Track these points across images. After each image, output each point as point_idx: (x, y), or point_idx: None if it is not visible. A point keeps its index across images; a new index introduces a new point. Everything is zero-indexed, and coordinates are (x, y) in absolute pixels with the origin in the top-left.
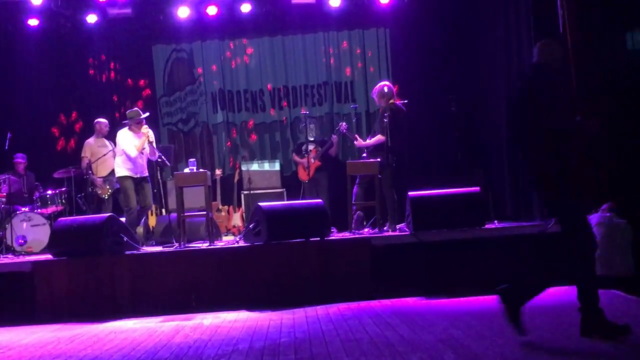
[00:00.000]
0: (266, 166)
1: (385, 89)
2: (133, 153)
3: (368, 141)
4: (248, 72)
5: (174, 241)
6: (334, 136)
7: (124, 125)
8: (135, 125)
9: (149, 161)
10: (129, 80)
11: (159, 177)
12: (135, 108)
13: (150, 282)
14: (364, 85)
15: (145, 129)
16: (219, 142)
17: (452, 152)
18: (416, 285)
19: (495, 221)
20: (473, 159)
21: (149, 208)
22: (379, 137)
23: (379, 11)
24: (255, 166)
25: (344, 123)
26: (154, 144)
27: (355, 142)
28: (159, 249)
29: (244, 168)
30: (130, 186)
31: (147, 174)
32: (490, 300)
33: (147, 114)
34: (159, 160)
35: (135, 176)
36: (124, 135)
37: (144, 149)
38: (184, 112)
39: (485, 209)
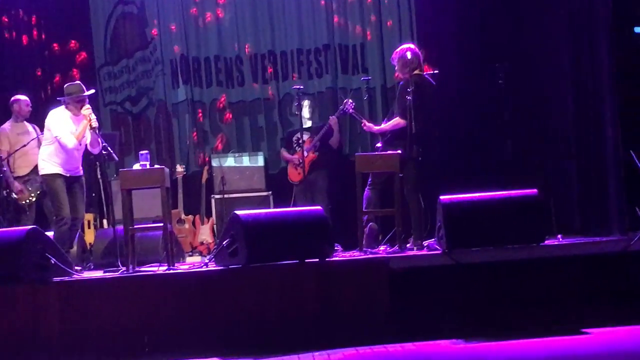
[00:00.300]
0: (246, 161)
1: (409, 55)
2: (71, 142)
3: (383, 126)
4: (220, 32)
5: (120, 264)
6: (332, 117)
7: (58, 104)
8: (75, 105)
9: (87, 155)
10: (55, 45)
11: (99, 176)
12: (77, 82)
13: (88, 320)
14: (379, 48)
15: (87, 110)
16: (181, 127)
17: (500, 141)
18: (451, 324)
19: (559, 236)
20: (528, 151)
21: (81, 220)
22: (397, 121)
23: None
24: (230, 161)
25: (350, 100)
26: (97, 131)
27: (363, 127)
28: (99, 274)
29: (215, 164)
30: (61, 188)
31: (81, 173)
32: (551, 344)
33: (92, 90)
34: (103, 152)
35: (68, 175)
36: (59, 118)
37: (83, 137)
38: (133, 87)
39: (546, 219)
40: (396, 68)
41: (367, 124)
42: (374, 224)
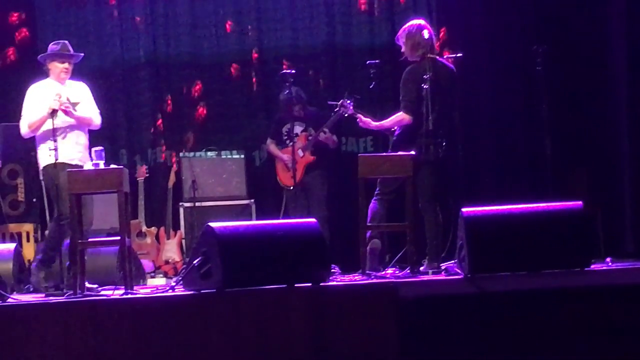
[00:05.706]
0: (223, 161)
1: (425, 34)
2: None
3: (384, 122)
4: None
5: (66, 286)
6: (324, 133)
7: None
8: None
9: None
10: None
11: (41, 178)
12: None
13: (24, 355)
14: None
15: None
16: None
17: (536, 141)
18: None
19: (609, 259)
20: (571, 153)
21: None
22: (400, 116)
23: None
24: (203, 160)
25: (349, 101)
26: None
27: (359, 123)
28: (38, 297)
29: (184, 163)
30: None
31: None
32: None
33: (81, 54)
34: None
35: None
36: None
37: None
38: None
39: (592, 238)
40: (403, 49)
41: (364, 119)
42: (377, 240)
